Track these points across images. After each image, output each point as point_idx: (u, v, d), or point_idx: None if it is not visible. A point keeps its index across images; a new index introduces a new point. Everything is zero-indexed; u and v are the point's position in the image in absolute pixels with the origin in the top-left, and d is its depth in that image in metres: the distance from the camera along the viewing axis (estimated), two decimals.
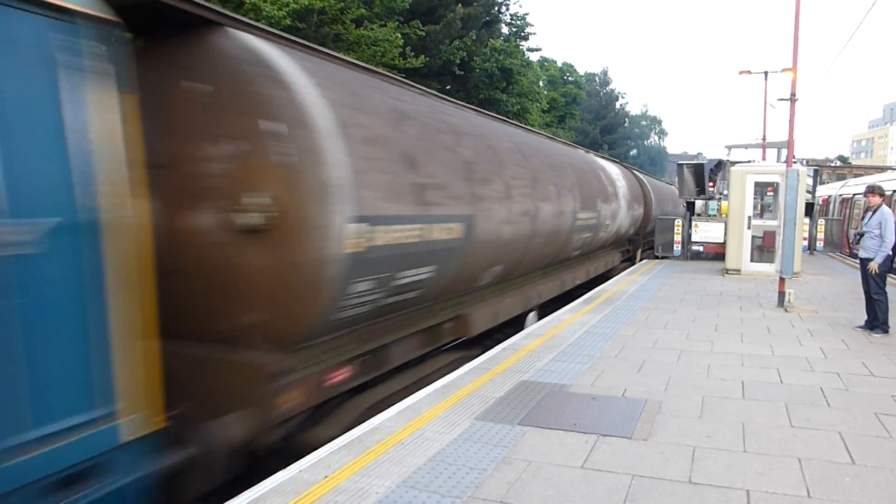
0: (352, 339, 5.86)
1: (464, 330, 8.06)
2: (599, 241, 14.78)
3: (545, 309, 11.26)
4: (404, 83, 7.50)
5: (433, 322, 7.46)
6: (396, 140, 5.89)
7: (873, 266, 9.09)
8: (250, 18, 16.81)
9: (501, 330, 9.47)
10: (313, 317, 4.97)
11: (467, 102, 22.75)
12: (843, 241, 23.93)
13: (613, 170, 17.12)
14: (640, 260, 20.92)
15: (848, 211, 26.50)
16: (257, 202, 4.53)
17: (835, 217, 27.59)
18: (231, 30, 4.83)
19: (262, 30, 5.24)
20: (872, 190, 9.51)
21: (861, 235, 9.53)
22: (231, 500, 3.97)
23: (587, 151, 17.72)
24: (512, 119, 28.24)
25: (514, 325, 9.87)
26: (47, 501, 3.30)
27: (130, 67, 3.77)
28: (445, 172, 6.70)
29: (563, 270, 12.97)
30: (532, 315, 10.88)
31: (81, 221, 3.42)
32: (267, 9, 17.40)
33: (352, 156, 5.00)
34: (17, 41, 3.18)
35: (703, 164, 21.99)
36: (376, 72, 6.99)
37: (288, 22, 17.83)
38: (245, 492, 4.10)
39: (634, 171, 22.47)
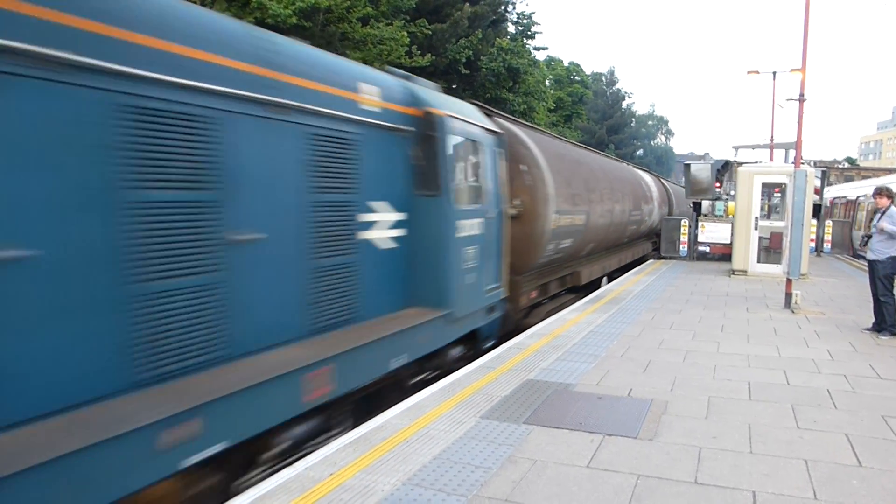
0: (537, 276, 10.83)
1: (576, 280, 13.02)
2: (641, 232, 20.28)
3: (610, 276, 16.32)
4: (559, 138, 14.71)
5: (564, 273, 12.62)
6: (563, 170, 11.20)
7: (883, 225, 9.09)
8: (256, 17, 16.87)
9: (586, 288, 13.80)
10: (534, 259, 10.15)
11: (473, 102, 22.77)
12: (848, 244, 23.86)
13: (648, 178, 22.84)
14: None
15: (853, 213, 26.41)
16: (517, 203, 9.61)
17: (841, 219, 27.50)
18: (507, 123, 10.25)
19: (514, 119, 11.32)
20: (880, 192, 9.46)
21: (869, 237, 9.49)
22: (237, 497, 3.97)
23: (629, 164, 24.10)
24: (518, 118, 28.27)
25: (593, 286, 14.40)
26: (486, 315, 8.37)
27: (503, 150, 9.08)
28: (580, 186, 12.08)
29: (620, 252, 18.00)
30: (605, 279, 15.85)
31: (501, 211, 8.80)
32: (273, 7, 17.40)
33: (554, 180, 10.33)
34: (491, 146, 8.51)
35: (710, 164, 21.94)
36: (548, 133, 14.82)
37: (294, 21, 17.83)
38: (251, 489, 4.10)
39: (662, 179, 28.12)
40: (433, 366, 7.37)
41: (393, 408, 5.74)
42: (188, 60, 4.18)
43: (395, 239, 6.71)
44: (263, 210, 4.89)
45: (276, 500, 3.91)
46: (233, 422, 4.18)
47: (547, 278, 11.40)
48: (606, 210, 13.99)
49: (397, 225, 6.75)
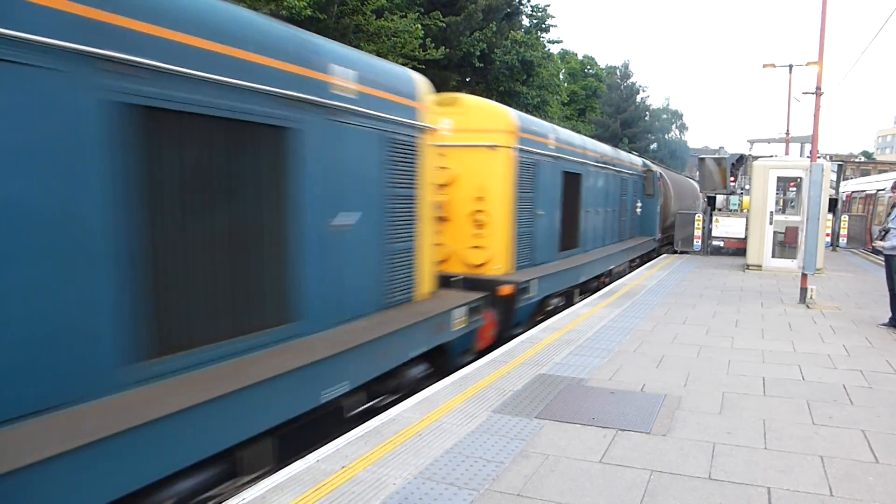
0: (663, 229, 22.76)
1: (668, 231, 23.48)
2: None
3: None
4: (673, 170, 31.93)
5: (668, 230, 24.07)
6: (672, 189, 23.76)
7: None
8: (271, 9, 16.86)
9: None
10: (666, 222, 22.94)
11: (487, 95, 22.75)
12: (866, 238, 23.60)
13: (692, 182, 32.51)
14: None
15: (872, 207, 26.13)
16: (660, 201, 20.99)
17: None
18: (653, 166, 21.32)
19: (660, 164, 28.64)
20: None
21: (886, 231, 9.38)
22: (249, 489, 3.98)
23: (681, 174, 35.25)
24: (532, 112, 28.14)
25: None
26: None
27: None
28: (682, 196, 26.35)
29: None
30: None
31: (659, 203, 21.35)
32: None
33: (675, 193, 24.39)
34: (646, 177, 20.49)
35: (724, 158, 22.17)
36: (674, 170, 33.46)
37: (308, 13, 17.80)
38: (263, 481, 4.11)
39: (693, 181, 33.59)
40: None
41: (405, 401, 5.74)
42: (396, 106, 6.50)
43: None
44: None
45: (288, 493, 3.92)
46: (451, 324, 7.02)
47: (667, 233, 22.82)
48: (682, 206, 25.25)
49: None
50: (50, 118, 3.33)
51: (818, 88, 12.76)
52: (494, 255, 9.13)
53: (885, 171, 46.32)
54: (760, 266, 16.26)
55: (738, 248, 18.96)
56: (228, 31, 4.36)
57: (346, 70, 5.65)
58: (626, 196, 17.13)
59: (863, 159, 70.04)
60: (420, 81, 7.06)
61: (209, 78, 4.16)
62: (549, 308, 10.44)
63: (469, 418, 5.30)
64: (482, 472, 4.28)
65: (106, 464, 3.26)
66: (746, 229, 17.40)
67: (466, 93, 12.79)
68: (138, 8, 3.71)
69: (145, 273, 3.84)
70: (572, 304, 11.16)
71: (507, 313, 8.77)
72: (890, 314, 9.39)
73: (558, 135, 11.35)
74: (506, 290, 8.58)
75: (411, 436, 4.89)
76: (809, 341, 8.44)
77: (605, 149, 15.32)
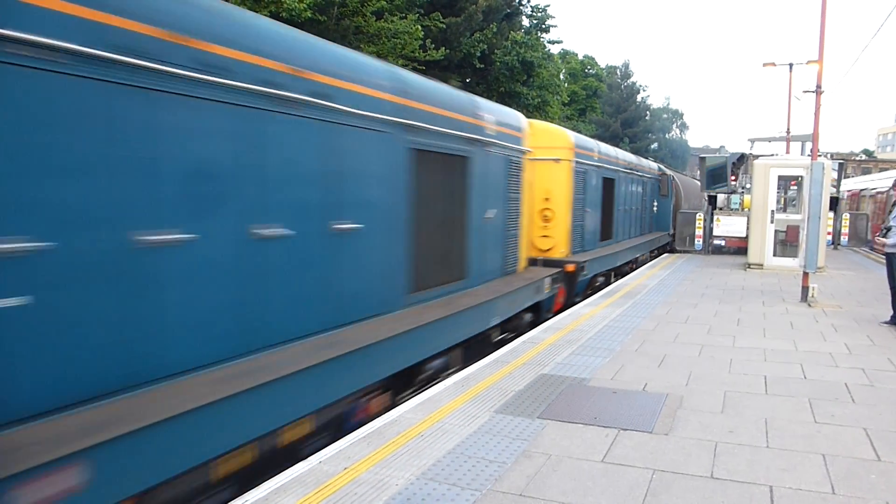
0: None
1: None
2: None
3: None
4: (682, 173, 35.84)
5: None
6: (682, 190, 25.25)
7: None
8: (271, 10, 16.86)
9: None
10: (679, 209, 23.53)
11: (487, 95, 22.73)
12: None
13: (698, 183, 31.22)
14: None
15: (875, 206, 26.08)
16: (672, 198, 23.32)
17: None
18: (667, 170, 24.16)
19: (673, 168, 31.65)
20: None
21: (888, 229, 9.38)
22: (252, 490, 3.99)
23: (686, 175, 36.56)
24: (532, 112, 28.13)
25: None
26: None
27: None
28: (690, 196, 26.22)
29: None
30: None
31: (673, 202, 23.89)
32: (288, 1, 17.39)
33: (684, 194, 25.27)
34: (660, 180, 22.87)
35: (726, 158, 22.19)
36: (686, 174, 37.89)
37: (308, 14, 17.80)
38: (265, 482, 4.12)
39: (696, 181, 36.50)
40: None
41: (407, 402, 5.75)
42: (512, 137, 9.23)
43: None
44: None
45: (290, 494, 3.93)
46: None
47: None
48: (686, 201, 25.42)
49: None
50: (391, 156, 6.21)
51: (818, 87, 12.77)
52: (558, 242, 12.03)
53: (886, 169, 46.16)
54: (762, 265, 16.26)
55: (739, 247, 18.97)
56: (449, 102, 7.41)
57: (490, 115, 8.49)
58: (647, 197, 19.98)
59: (863, 157, 69.96)
60: (523, 119, 10.02)
61: (441, 131, 7.07)
62: (596, 284, 13.53)
63: (471, 419, 5.30)
64: (485, 472, 4.28)
65: (406, 345, 5.97)
66: (747, 228, 17.40)
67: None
68: (421, 96, 6.71)
69: (413, 241, 6.58)
70: (610, 284, 14.17)
71: (571, 285, 11.61)
72: (891, 312, 9.39)
73: (600, 148, 14.39)
74: (571, 267, 11.54)
75: (413, 436, 4.89)
76: (811, 340, 8.44)
77: (631, 157, 18.53)
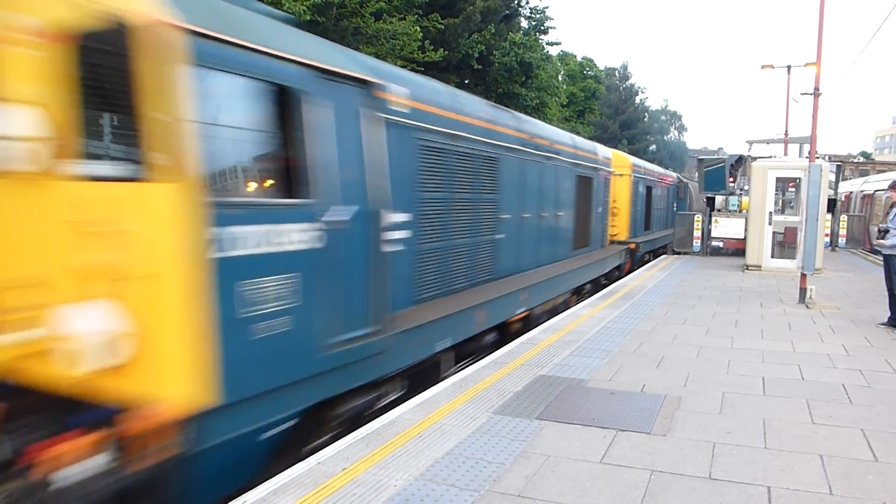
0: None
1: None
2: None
3: None
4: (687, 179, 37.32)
5: None
6: (693, 194, 29.89)
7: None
8: (270, 12, 16.85)
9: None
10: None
11: (486, 97, 22.72)
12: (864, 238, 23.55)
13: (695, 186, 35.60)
14: None
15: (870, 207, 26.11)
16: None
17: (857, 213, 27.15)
18: (678, 175, 31.38)
19: (648, 159, 40.92)
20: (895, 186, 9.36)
21: (885, 232, 9.39)
22: (250, 492, 3.99)
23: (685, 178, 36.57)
24: (530, 113, 28.14)
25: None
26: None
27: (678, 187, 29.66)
28: (699, 198, 24.89)
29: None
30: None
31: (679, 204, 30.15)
32: (287, 3, 17.39)
33: (695, 198, 28.98)
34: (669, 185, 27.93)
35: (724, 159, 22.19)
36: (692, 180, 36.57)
37: (308, 17, 17.80)
38: (264, 483, 4.12)
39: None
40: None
41: (405, 403, 5.75)
42: (605, 163, 14.83)
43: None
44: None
45: (289, 495, 3.93)
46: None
47: None
48: (697, 203, 28.66)
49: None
50: (570, 179, 12.00)
51: (816, 89, 12.81)
52: (621, 230, 17.02)
53: (884, 170, 46.23)
54: (760, 266, 16.28)
55: (737, 249, 18.96)
56: (583, 147, 12.92)
57: (599, 150, 14.05)
58: (670, 199, 25.61)
59: (861, 160, 70.07)
60: (610, 150, 16.13)
61: (586, 164, 12.54)
62: (645, 259, 19.75)
63: (469, 420, 5.31)
64: (483, 473, 4.29)
65: (595, 266, 13.52)
66: (745, 230, 17.41)
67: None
68: (583, 148, 12.84)
69: (581, 222, 12.82)
70: (647, 262, 19.35)
71: (632, 258, 17.70)
72: (889, 314, 9.41)
73: (645, 165, 20.83)
74: (633, 245, 17.58)
75: (412, 437, 4.89)
76: (809, 341, 8.45)
77: (660, 169, 25.67)
